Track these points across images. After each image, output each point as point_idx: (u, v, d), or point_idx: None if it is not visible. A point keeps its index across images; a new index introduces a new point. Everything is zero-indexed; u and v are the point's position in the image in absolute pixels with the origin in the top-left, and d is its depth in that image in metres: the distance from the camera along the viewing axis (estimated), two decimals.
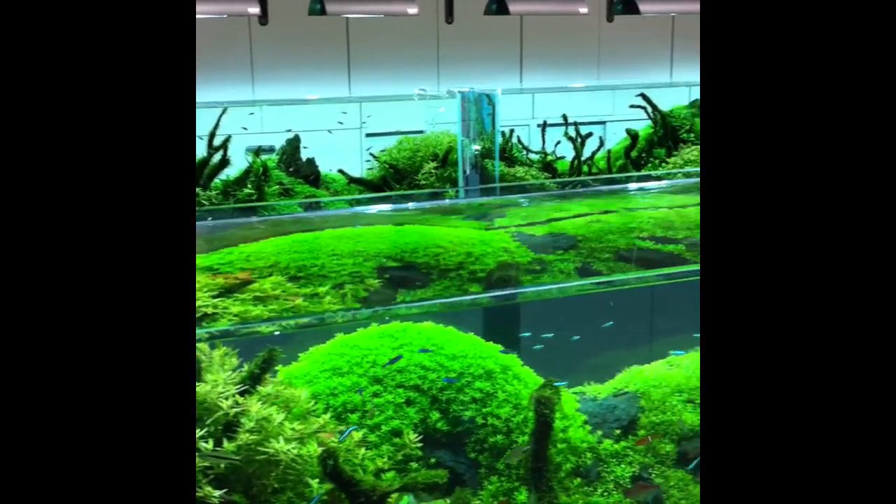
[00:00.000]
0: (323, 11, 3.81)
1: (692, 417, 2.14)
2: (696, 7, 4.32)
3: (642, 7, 4.18)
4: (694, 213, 2.58)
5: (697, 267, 1.79)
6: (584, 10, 4.10)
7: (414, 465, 1.93)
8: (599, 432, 2.11)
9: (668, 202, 3.14)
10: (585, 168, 4.24)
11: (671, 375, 2.23)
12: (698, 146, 4.47)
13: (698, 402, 2.18)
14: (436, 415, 2.02)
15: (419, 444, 1.96)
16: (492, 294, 2.02)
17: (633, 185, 3.70)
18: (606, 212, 2.67)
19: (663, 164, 4.52)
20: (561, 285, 2.08)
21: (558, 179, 4.13)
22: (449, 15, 4.33)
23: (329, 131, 4.06)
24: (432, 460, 1.98)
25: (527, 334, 2.47)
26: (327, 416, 1.90)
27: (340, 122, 4.07)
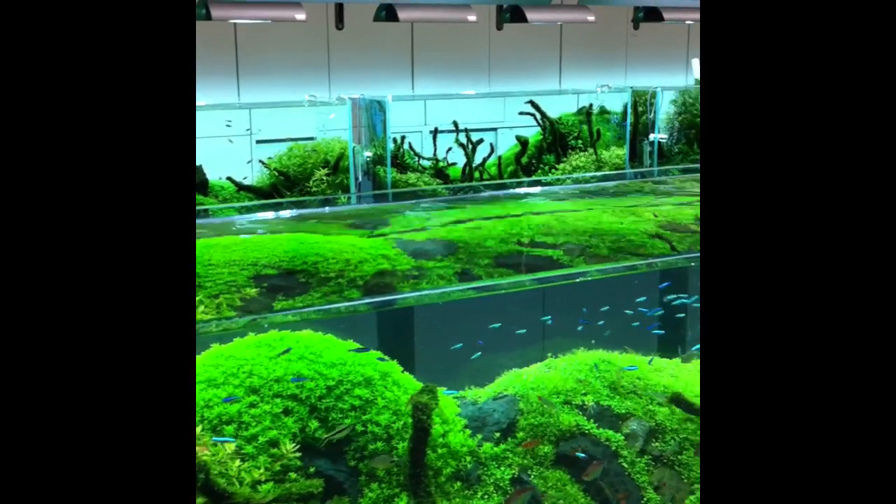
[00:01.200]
0: (208, 17, 3.75)
1: (570, 419, 2.18)
2: (584, 16, 4.41)
3: (530, 16, 4.25)
4: (573, 218, 2.64)
5: (575, 270, 1.81)
6: (472, 17, 4.14)
7: (293, 475, 1.92)
8: (479, 436, 2.13)
9: (553, 207, 3.20)
10: (477, 174, 4.29)
11: (549, 378, 2.27)
12: (586, 152, 4.58)
13: (576, 402, 2.23)
14: (315, 423, 2.01)
15: (297, 454, 1.94)
16: (368, 301, 2.02)
17: (522, 191, 3.76)
18: (490, 217, 2.71)
19: (553, 170, 4.61)
20: (441, 290, 2.09)
21: (450, 186, 4.16)
22: (339, 21, 4.31)
23: (230, 140, 3.99)
24: (311, 469, 1.97)
25: (416, 340, 2.48)
26: (199, 428, 1.87)
27: (229, 125, 4.01)
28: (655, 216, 2.55)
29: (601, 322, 2.56)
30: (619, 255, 2.30)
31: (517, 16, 4.29)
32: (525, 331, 2.55)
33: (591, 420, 2.21)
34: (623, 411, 2.25)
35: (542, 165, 4.55)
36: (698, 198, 2.41)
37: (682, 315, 2.68)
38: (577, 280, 2.26)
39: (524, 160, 4.48)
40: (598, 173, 4.40)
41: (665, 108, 4.72)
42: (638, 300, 2.56)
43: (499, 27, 4.55)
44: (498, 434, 2.15)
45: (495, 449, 2.12)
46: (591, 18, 4.38)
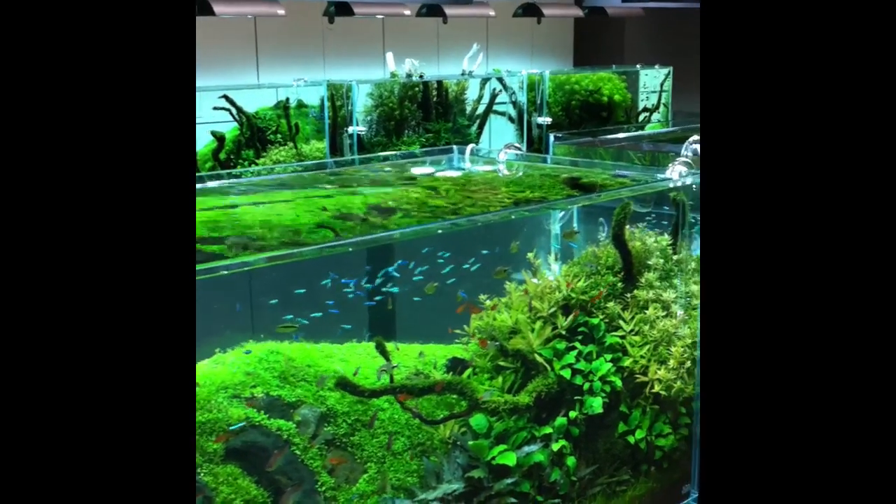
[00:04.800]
0: None
1: (238, 412, 2.17)
2: (274, 10, 4.40)
3: (217, 8, 4.18)
4: (242, 213, 2.63)
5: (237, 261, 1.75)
6: None
7: None
8: None
9: (243, 201, 3.16)
10: None
11: (216, 373, 2.26)
12: (286, 146, 4.58)
13: (245, 396, 2.23)
14: None
15: None
16: None
17: (215, 184, 3.69)
18: None
19: (253, 165, 4.57)
20: None
21: None
22: None
23: None
24: None
25: None
26: None
27: None
28: (325, 209, 2.60)
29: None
30: (285, 246, 2.32)
31: (205, 8, 4.21)
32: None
33: (262, 412, 2.22)
34: (294, 399, 2.28)
35: (241, 161, 4.50)
36: (384, 187, 2.49)
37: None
38: (246, 269, 2.25)
39: (222, 156, 4.41)
40: (298, 163, 4.41)
41: (363, 101, 4.82)
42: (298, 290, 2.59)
43: None
44: None
45: None
46: (280, 12, 4.37)
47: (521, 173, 2.43)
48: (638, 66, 6.74)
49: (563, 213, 2.34)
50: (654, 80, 6.78)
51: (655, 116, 6.78)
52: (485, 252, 2.16)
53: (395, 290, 2.07)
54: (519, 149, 2.44)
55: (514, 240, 2.13)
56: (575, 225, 2.38)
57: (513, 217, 1.87)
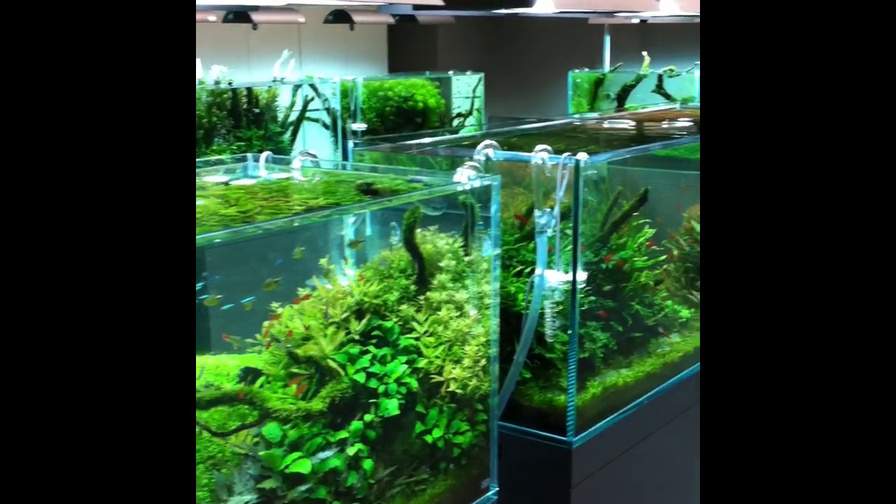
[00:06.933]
0: None
1: None
2: None
3: None
4: None
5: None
6: None
7: None
8: None
9: None
10: None
11: None
12: None
13: None
14: None
15: None
16: None
17: None
18: None
19: None
20: None
21: None
22: None
23: None
24: None
25: None
26: None
27: None
28: None
29: None
30: None
31: None
32: None
33: None
34: None
35: None
36: None
37: None
38: None
39: None
40: None
41: None
42: None
43: None
44: None
45: None
46: None
47: (316, 179, 2.43)
48: (451, 72, 6.89)
49: (354, 218, 2.36)
50: (466, 87, 6.94)
51: (470, 121, 6.95)
52: (278, 262, 2.15)
53: None
54: (314, 156, 2.44)
55: (306, 246, 2.13)
56: (368, 230, 2.41)
57: (295, 224, 1.87)
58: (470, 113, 6.91)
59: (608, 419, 2.82)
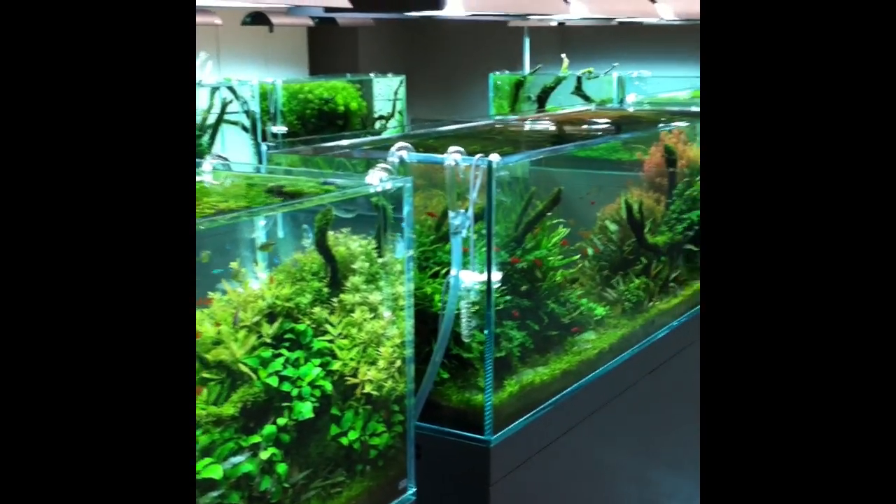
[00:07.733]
0: None
1: None
2: None
3: None
4: None
5: None
6: None
7: None
8: None
9: None
10: None
11: None
12: None
13: None
14: None
15: None
16: None
17: None
18: None
19: None
20: None
21: None
22: None
23: None
24: None
25: None
26: None
27: None
28: None
29: None
30: None
31: None
32: None
33: None
34: None
35: None
36: None
37: None
38: None
39: None
40: None
41: None
42: None
43: None
44: None
45: None
46: None
47: (228, 182, 2.40)
48: (372, 74, 6.88)
49: (265, 221, 2.35)
50: (388, 89, 6.94)
51: (392, 123, 6.95)
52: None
53: None
54: (225, 159, 2.42)
55: (217, 249, 2.11)
56: (280, 233, 2.40)
57: (201, 227, 1.85)
58: (392, 115, 6.91)
59: (526, 417, 2.86)
